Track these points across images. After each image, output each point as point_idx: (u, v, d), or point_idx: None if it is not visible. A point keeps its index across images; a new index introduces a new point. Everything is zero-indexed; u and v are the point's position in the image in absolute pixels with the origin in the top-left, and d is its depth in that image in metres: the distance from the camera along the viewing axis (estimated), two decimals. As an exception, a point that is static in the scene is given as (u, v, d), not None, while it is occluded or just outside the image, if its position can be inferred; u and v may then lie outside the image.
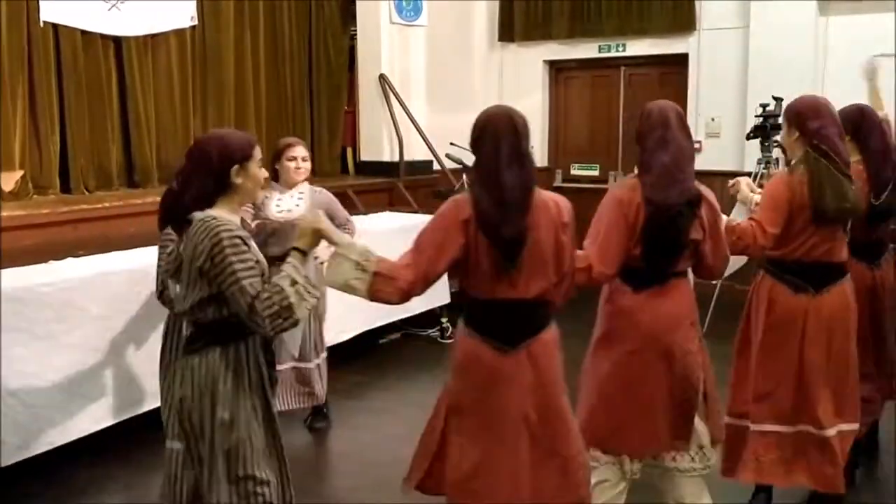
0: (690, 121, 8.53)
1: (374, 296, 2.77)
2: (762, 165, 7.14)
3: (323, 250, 3.19)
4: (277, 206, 4.65)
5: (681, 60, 8.81)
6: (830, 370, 3.65)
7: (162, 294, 3.58)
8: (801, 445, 3.66)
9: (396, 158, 8.55)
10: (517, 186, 2.81)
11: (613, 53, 9.21)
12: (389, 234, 6.15)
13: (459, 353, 2.95)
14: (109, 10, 6.73)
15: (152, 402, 4.65)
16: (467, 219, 2.79)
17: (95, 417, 4.36)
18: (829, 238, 3.61)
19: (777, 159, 7.23)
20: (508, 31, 9.62)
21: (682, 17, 8.67)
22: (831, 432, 3.63)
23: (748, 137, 7.32)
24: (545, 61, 9.63)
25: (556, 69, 9.72)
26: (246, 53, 8.08)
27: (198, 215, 2.60)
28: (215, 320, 2.64)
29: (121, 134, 7.06)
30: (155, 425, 4.75)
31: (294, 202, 4.70)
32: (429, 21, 8.88)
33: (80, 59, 6.64)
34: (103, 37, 6.80)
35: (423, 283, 2.80)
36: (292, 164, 4.71)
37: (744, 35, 8.35)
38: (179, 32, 7.38)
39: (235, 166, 2.65)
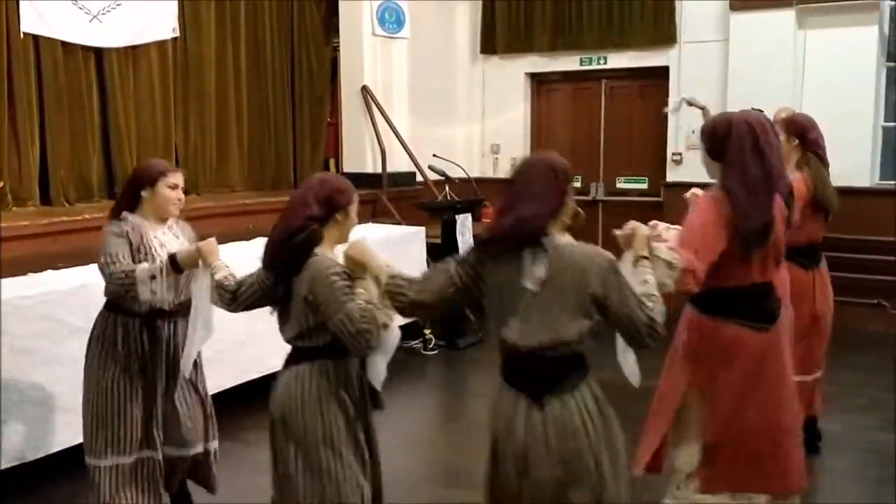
0: (670, 133, 8.70)
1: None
2: None
3: None
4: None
5: (661, 73, 8.86)
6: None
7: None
8: None
9: (379, 170, 8.56)
10: (763, 178, 3.00)
11: (595, 66, 9.26)
12: (373, 245, 6.10)
13: (721, 342, 3.07)
14: (90, 21, 6.72)
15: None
16: (728, 213, 2.98)
17: (76, 430, 4.30)
18: (820, 225, 4.49)
19: None
20: (490, 43, 9.66)
21: (662, 31, 8.73)
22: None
23: None
24: (527, 74, 9.66)
25: (538, 81, 9.75)
26: (228, 65, 8.08)
27: None
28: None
29: (101, 145, 7.04)
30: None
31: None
32: (411, 33, 8.92)
33: (60, 70, 6.62)
34: (84, 48, 6.79)
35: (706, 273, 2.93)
36: (174, 194, 3.64)
37: (723, 48, 8.42)
38: (161, 44, 7.38)
39: None
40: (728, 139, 3.05)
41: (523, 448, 2.59)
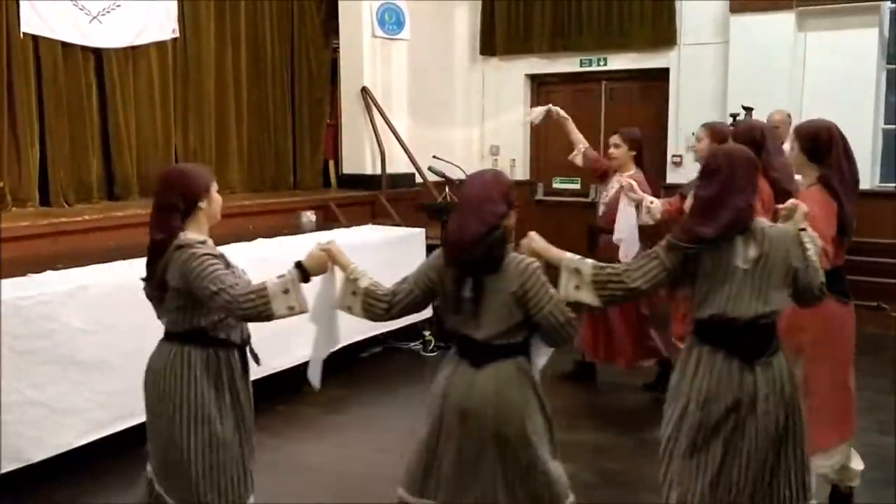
0: (670, 135, 8.70)
1: None
2: None
3: None
4: None
5: (661, 75, 8.88)
6: None
7: None
8: None
9: (378, 171, 8.56)
10: (851, 178, 3.59)
11: (595, 67, 9.28)
12: (373, 247, 6.14)
13: (824, 314, 3.47)
14: (90, 22, 6.70)
15: (136, 417, 4.61)
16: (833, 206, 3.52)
17: (77, 432, 4.30)
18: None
19: None
20: (490, 45, 9.67)
21: (662, 32, 8.75)
22: None
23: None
24: (527, 75, 9.67)
25: (538, 83, 9.76)
26: (227, 66, 8.07)
27: None
28: None
29: (101, 146, 7.02)
30: (136, 440, 4.72)
31: None
32: (410, 35, 8.91)
33: (60, 71, 6.61)
34: (84, 49, 6.77)
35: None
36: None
37: (723, 50, 8.44)
38: (160, 45, 7.36)
39: None
40: (830, 144, 3.58)
41: (735, 404, 2.94)
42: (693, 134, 8.63)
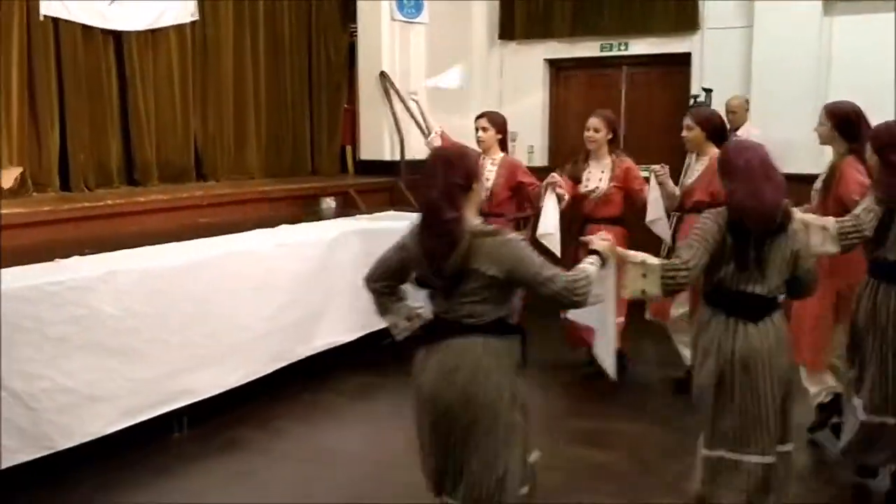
0: (692, 121, 8.57)
1: None
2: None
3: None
4: None
5: (683, 60, 8.74)
6: None
7: None
8: None
9: (397, 157, 8.46)
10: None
11: (615, 52, 9.13)
12: (395, 233, 6.02)
13: (853, 262, 3.98)
14: (110, 4, 6.63)
15: (166, 405, 4.57)
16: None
17: (107, 420, 4.24)
18: None
19: None
20: (508, 29, 9.53)
21: (685, 17, 8.60)
22: None
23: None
24: (546, 60, 9.54)
25: (557, 68, 9.63)
26: (246, 50, 7.99)
27: None
28: None
29: (120, 131, 6.95)
30: (165, 427, 4.68)
31: None
32: (429, 19, 8.80)
33: (80, 54, 6.54)
34: (104, 32, 6.70)
35: None
36: None
37: (747, 35, 8.29)
38: (180, 28, 7.28)
39: None
40: (860, 123, 4.26)
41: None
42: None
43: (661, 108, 9.04)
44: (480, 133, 5.81)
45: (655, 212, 5.45)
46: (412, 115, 6.78)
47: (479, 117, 5.94)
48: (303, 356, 5.50)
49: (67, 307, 4.04)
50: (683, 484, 3.74)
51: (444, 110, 8.97)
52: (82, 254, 4.62)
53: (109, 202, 5.98)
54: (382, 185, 8.30)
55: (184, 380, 4.67)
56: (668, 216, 5.52)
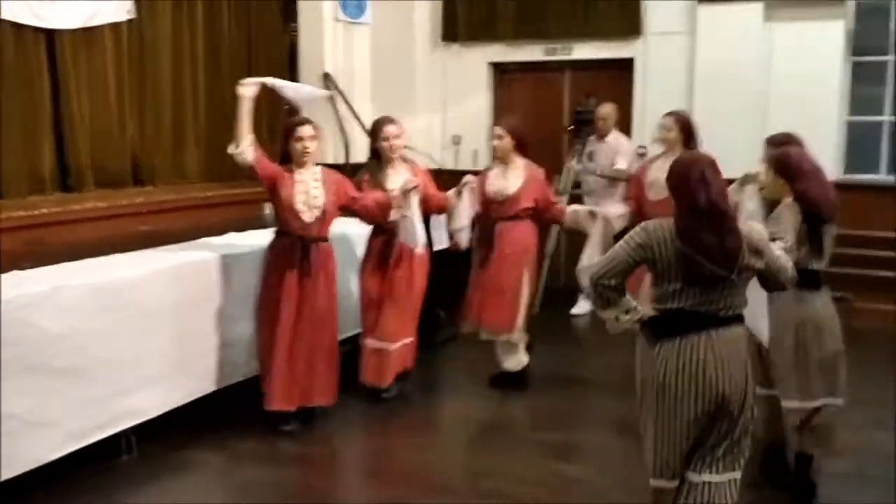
0: (636, 126, 8.61)
1: None
2: (577, 160, 7.85)
3: None
4: None
5: (626, 65, 8.78)
6: None
7: None
8: None
9: (342, 160, 8.30)
10: None
11: (559, 56, 9.12)
12: (339, 240, 5.79)
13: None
14: (42, 1, 6.30)
15: (113, 426, 4.35)
16: None
17: (51, 446, 4.00)
18: None
19: (590, 152, 7.80)
20: (451, 31, 9.43)
21: (628, 22, 8.64)
22: None
23: (569, 131, 8.10)
24: (489, 63, 9.48)
25: (501, 71, 9.58)
26: (184, 50, 7.72)
27: None
28: None
29: (53, 134, 6.63)
30: (113, 450, 4.45)
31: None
32: (372, 19, 8.67)
33: (9, 53, 6.23)
34: (35, 30, 6.37)
35: None
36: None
37: (690, 40, 8.37)
38: (115, 27, 7.00)
39: None
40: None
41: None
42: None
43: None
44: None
45: (462, 220, 5.49)
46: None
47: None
48: (257, 372, 5.30)
49: (9, 328, 3.78)
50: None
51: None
52: (21, 268, 4.35)
53: (45, 210, 5.69)
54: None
55: (131, 399, 4.45)
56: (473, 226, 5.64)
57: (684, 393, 3.04)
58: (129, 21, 7.08)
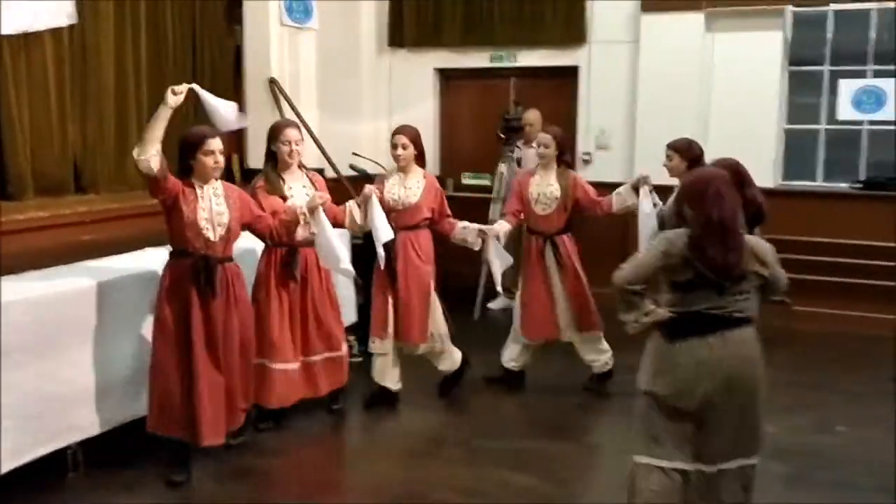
0: (580, 133, 8.74)
1: None
2: (505, 164, 8.11)
3: None
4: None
5: (571, 72, 8.89)
6: None
7: None
8: None
9: (288, 167, 8.22)
10: None
11: (505, 64, 9.19)
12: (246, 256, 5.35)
13: None
14: (-20, 6, 6.13)
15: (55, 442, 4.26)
16: None
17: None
18: None
19: (518, 159, 8.07)
20: (398, 36, 9.45)
21: (573, 30, 8.75)
22: None
23: (499, 139, 8.22)
24: (436, 69, 9.51)
25: (447, 77, 9.62)
26: (127, 54, 7.55)
27: None
28: None
29: (-9, 140, 6.44)
30: (60, 468, 4.36)
31: None
32: (318, 24, 8.61)
33: (-55, 58, 6.02)
34: (-28, 35, 6.19)
35: None
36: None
37: (634, 49, 8.52)
38: (56, 32, 6.79)
39: None
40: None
41: None
42: (603, 132, 8.76)
43: (549, 119, 9.06)
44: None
45: (388, 232, 5.24)
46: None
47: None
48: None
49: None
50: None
51: (334, 118, 8.83)
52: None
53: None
54: (273, 194, 8.02)
55: (75, 415, 4.36)
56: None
57: (699, 385, 3.37)
58: (71, 25, 6.90)
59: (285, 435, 5.14)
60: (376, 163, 7.69)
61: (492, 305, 8.38)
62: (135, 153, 4.20)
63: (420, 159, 5.65)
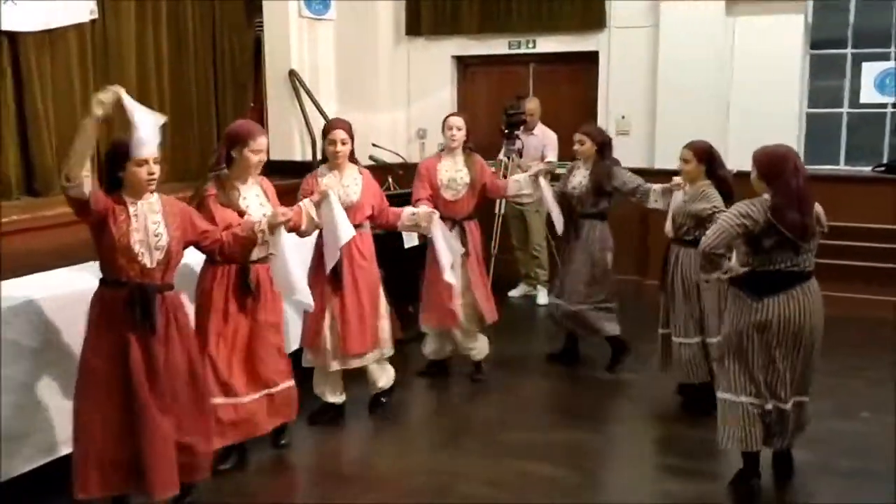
0: (600, 119, 8.70)
1: None
2: (508, 157, 7.95)
3: None
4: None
5: (591, 58, 8.86)
6: None
7: None
8: None
9: (309, 157, 8.30)
10: None
11: (523, 50, 9.17)
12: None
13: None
14: (4, 3, 6.22)
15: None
16: None
17: (24, 457, 3.95)
18: None
19: (520, 149, 7.93)
20: (415, 25, 9.44)
21: (592, 16, 8.71)
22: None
23: (502, 133, 8.02)
24: (454, 56, 9.50)
25: (465, 65, 9.61)
26: (148, 49, 7.66)
27: None
28: None
29: (18, 137, 6.54)
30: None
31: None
32: (336, 15, 8.65)
33: (-29, 56, 6.12)
34: (-3, 32, 6.29)
35: None
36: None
37: (653, 34, 8.46)
38: (79, 27, 6.91)
39: None
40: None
41: None
42: (623, 117, 8.74)
43: (568, 105, 9.11)
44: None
45: (348, 232, 4.69)
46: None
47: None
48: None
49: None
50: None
51: (353, 108, 8.85)
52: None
53: (15, 217, 5.61)
54: (294, 186, 8.06)
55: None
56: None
57: (785, 331, 4.02)
58: (93, 21, 6.99)
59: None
60: (394, 152, 7.79)
61: (512, 293, 8.43)
62: (62, 180, 3.48)
63: (351, 155, 5.11)
